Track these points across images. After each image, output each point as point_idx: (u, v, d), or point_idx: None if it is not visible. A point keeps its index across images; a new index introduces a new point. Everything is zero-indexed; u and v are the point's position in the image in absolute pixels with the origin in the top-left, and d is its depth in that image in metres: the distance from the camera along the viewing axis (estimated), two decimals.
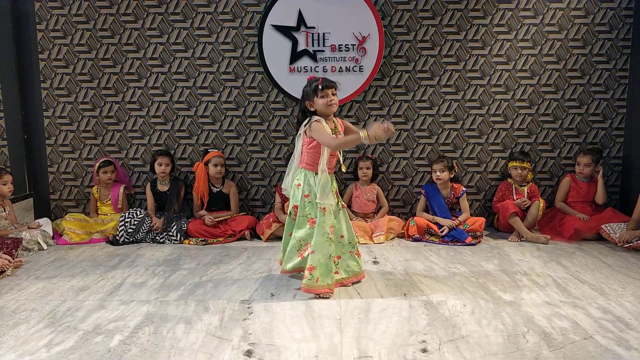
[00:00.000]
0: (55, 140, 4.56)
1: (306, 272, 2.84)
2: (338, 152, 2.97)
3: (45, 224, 4.19)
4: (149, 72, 4.48)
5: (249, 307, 2.71)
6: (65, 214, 4.45)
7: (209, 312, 2.64)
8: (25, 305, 2.76)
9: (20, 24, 4.42)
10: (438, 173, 4.18)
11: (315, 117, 2.88)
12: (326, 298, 2.82)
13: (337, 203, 2.99)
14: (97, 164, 4.34)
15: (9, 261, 3.32)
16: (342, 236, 3.03)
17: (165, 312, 2.65)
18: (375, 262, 3.52)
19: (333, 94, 2.86)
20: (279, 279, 3.16)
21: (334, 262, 2.96)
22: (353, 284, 3.05)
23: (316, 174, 2.90)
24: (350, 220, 4.16)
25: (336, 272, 2.98)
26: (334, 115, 2.99)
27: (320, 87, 2.83)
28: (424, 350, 2.21)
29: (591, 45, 4.37)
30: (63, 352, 2.22)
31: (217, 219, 4.21)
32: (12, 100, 4.43)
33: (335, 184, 3.01)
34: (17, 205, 4.16)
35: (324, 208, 2.87)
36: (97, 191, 4.42)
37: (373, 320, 2.54)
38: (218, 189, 4.37)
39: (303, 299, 2.81)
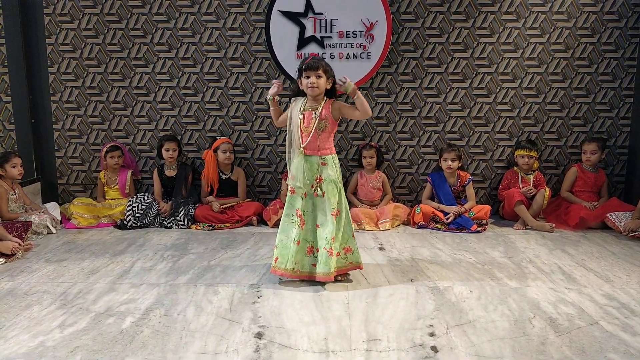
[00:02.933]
0: (62, 124, 4.57)
1: (274, 251, 2.90)
2: (311, 131, 2.80)
3: (53, 208, 4.23)
4: (156, 58, 4.47)
5: (257, 291, 2.74)
6: (73, 199, 4.48)
7: (218, 296, 2.67)
8: (37, 287, 2.80)
9: (28, 9, 4.41)
10: (449, 162, 4.18)
11: (295, 98, 2.94)
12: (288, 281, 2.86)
13: (315, 189, 2.83)
14: (105, 149, 4.36)
15: (19, 244, 3.36)
16: (317, 225, 2.86)
17: (175, 295, 2.69)
18: (381, 249, 3.55)
19: (317, 77, 2.76)
20: None
21: (313, 253, 2.85)
22: (319, 282, 2.82)
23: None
24: (356, 207, 4.22)
25: (313, 265, 2.84)
26: (330, 98, 2.88)
27: (304, 67, 2.79)
28: (432, 334, 2.24)
29: (599, 34, 4.35)
30: (76, 332, 2.26)
31: (224, 206, 4.23)
32: (20, 84, 4.44)
33: (319, 169, 2.83)
34: (25, 190, 4.18)
35: (292, 189, 2.87)
36: (105, 176, 4.44)
37: (381, 304, 2.57)
38: (227, 176, 4.38)
39: (311, 284, 2.84)
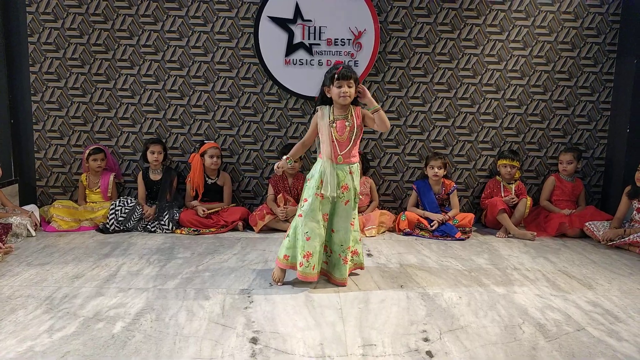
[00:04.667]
0: (43, 125, 4.47)
1: (303, 260, 2.84)
2: (346, 139, 2.86)
3: (33, 210, 4.12)
4: (141, 60, 4.42)
5: (249, 296, 2.72)
6: (52, 201, 4.38)
7: (209, 301, 2.64)
8: (20, 291, 2.73)
9: (9, 6, 4.31)
10: (436, 170, 4.24)
11: (320, 107, 2.92)
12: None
13: (340, 197, 2.88)
14: (87, 151, 4.27)
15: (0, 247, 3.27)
16: (332, 230, 2.95)
17: (165, 300, 2.65)
18: (369, 255, 3.57)
19: (349, 86, 2.80)
20: None
21: (326, 252, 2.97)
22: (328, 283, 2.96)
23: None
24: None
25: (325, 262, 3.00)
26: (355, 105, 2.92)
27: (336, 76, 2.79)
28: (426, 340, 2.26)
29: (579, 49, 4.49)
30: (66, 337, 2.20)
31: (209, 210, 4.20)
32: (0, 84, 4.32)
33: (346, 178, 2.88)
34: (3, 191, 4.07)
35: (322, 195, 2.84)
36: (86, 179, 4.35)
37: (373, 310, 2.58)
38: (213, 181, 4.35)
39: (302, 289, 2.84)
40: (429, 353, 2.14)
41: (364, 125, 2.94)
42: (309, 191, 2.89)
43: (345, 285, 2.92)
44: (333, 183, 2.84)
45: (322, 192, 2.83)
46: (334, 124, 2.86)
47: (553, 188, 4.46)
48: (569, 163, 4.38)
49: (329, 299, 2.72)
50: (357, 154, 2.95)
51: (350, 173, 2.89)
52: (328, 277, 2.99)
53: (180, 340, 2.20)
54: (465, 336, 2.31)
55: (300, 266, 2.84)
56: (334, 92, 2.83)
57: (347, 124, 2.85)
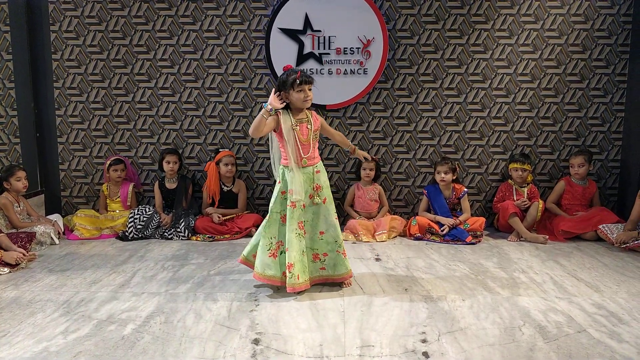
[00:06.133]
0: (66, 138, 4.68)
1: (286, 271, 2.86)
2: (310, 143, 2.94)
3: (57, 219, 4.32)
4: (158, 73, 4.60)
5: (255, 300, 2.81)
6: (76, 210, 4.57)
7: (217, 304, 2.74)
8: (41, 295, 2.88)
9: (35, 26, 4.54)
10: (443, 175, 4.28)
11: (280, 112, 2.89)
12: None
13: (313, 198, 2.94)
14: (108, 162, 4.46)
15: (23, 254, 3.44)
16: (321, 232, 2.98)
17: (175, 303, 2.76)
18: (377, 259, 3.62)
19: (309, 90, 2.88)
20: None
21: (319, 259, 3.00)
22: (333, 287, 3.02)
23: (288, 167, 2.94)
24: (354, 219, 4.31)
25: (322, 269, 3.01)
26: (308, 109, 2.99)
27: (298, 81, 2.83)
28: (424, 341, 2.31)
29: (590, 50, 4.47)
30: (79, 338, 2.33)
31: (224, 217, 4.32)
32: (26, 99, 4.56)
33: (314, 178, 2.95)
34: (29, 202, 4.27)
35: (293, 204, 2.88)
36: (107, 188, 4.54)
37: (375, 313, 2.64)
38: (229, 188, 4.47)
39: (308, 293, 2.91)
40: (425, 354, 2.19)
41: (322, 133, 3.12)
42: (277, 203, 2.95)
43: (352, 277, 3.06)
44: (300, 187, 2.87)
45: (293, 199, 2.87)
46: (297, 127, 2.90)
47: (562, 192, 4.42)
48: (580, 166, 4.34)
49: (333, 302, 2.78)
50: (318, 154, 3.04)
51: (317, 172, 2.96)
52: (332, 280, 3.03)
53: (186, 341, 2.30)
54: (463, 338, 2.34)
55: (284, 276, 2.88)
56: (295, 97, 2.87)
57: (308, 127, 2.93)
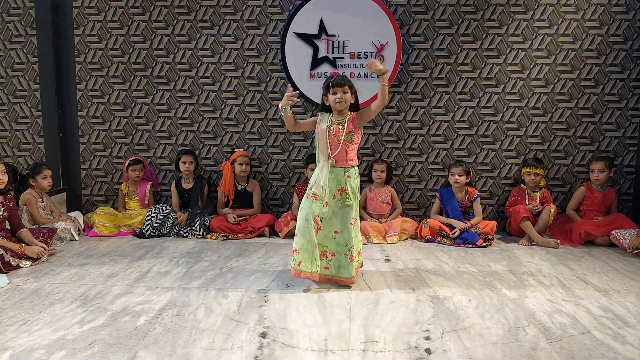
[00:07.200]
0: (88, 138, 4.83)
1: (291, 255, 3.05)
2: (341, 142, 3.00)
3: (77, 217, 4.46)
4: (177, 76, 4.72)
5: (265, 296, 2.89)
6: (95, 208, 4.71)
7: (228, 299, 2.83)
8: (59, 288, 3.00)
9: (60, 30, 4.71)
10: (457, 177, 4.31)
11: (320, 113, 3.13)
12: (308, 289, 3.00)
13: (338, 199, 3.02)
14: (127, 162, 4.59)
15: (44, 249, 3.58)
16: (336, 232, 3.06)
17: (188, 297, 2.85)
18: (387, 260, 3.67)
19: (344, 92, 2.99)
20: None
21: (326, 257, 3.07)
22: (340, 286, 3.06)
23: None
24: (365, 221, 4.37)
25: (326, 268, 3.08)
26: (354, 112, 3.08)
27: (331, 84, 3.00)
28: (427, 338, 2.36)
29: (605, 56, 4.46)
30: (94, 328, 2.43)
31: (239, 218, 4.41)
32: (50, 100, 4.73)
33: (343, 180, 3.02)
34: (51, 199, 4.43)
35: (314, 195, 3.01)
36: (126, 187, 4.67)
37: (381, 310, 2.69)
38: (243, 187, 4.57)
39: (316, 290, 2.98)
40: (427, 350, 2.23)
41: (366, 119, 3.10)
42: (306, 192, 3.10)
43: (354, 283, 3.06)
44: (325, 184, 2.99)
45: (314, 191, 3.00)
46: (331, 128, 3.03)
47: (582, 198, 4.39)
48: (600, 171, 4.31)
49: (340, 299, 2.84)
50: (355, 158, 3.09)
51: (347, 176, 3.03)
52: (334, 280, 3.07)
53: (196, 333, 2.38)
54: (466, 336, 2.38)
55: (299, 265, 3.01)
56: (330, 99, 3.02)
57: (340, 127, 3.02)
